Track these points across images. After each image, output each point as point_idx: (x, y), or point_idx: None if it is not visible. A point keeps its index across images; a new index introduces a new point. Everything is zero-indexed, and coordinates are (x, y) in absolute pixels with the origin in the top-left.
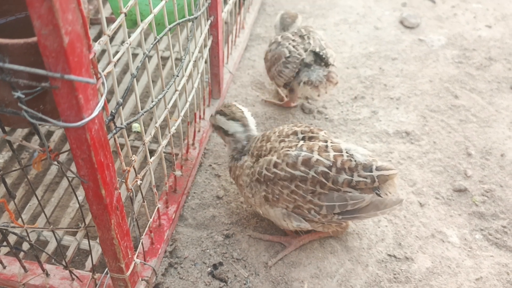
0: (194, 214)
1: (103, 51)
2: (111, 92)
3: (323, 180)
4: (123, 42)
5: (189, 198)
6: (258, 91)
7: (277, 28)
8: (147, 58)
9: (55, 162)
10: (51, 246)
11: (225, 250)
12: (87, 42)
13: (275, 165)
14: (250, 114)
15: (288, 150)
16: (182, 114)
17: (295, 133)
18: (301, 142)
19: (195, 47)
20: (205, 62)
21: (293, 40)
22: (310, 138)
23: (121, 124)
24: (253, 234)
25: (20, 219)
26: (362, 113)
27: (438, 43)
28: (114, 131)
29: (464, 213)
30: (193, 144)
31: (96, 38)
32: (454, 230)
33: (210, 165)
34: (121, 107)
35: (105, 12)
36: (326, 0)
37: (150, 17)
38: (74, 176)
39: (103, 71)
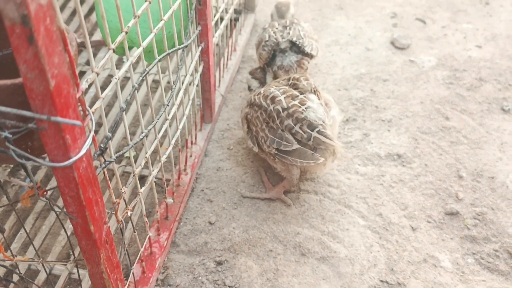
0: (186, 240)
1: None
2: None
3: (275, 116)
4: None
5: (181, 224)
6: None
7: (274, 16)
8: (136, 90)
9: (43, 198)
10: (42, 276)
11: (217, 277)
12: (75, 82)
13: (259, 94)
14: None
15: (272, 87)
16: (173, 142)
17: (289, 78)
18: (285, 87)
19: (186, 74)
20: (197, 86)
21: (276, 28)
22: (293, 85)
23: (111, 157)
24: (245, 193)
25: (9, 251)
26: (353, 135)
27: (429, 64)
28: (103, 165)
29: (456, 236)
30: (185, 169)
31: (88, 62)
32: (446, 254)
33: (202, 190)
34: (110, 141)
35: (97, 36)
36: (317, 22)
37: (139, 51)
38: (62, 211)
39: (91, 107)
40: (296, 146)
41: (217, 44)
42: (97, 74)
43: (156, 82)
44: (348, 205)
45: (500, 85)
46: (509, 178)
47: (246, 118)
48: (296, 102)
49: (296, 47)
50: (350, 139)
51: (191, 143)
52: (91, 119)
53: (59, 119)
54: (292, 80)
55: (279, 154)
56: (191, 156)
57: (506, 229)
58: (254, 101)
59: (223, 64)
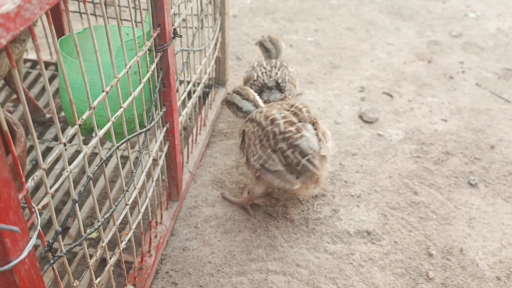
0: None
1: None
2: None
3: (271, 137)
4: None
5: None
6: (219, 190)
7: (272, 51)
8: (91, 180)
9: None
10: None
11: None
12: (19, 182)
13: (260, 112)
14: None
15: (274, 109)
16: (134, 227)
17: (291, 106)
18: (287, 112)
19: (149, 157)
20: (162, 167)
21: (264, 68)
22: (294, 113)
23: (61, 251)
24: (224, 194)
25: None
26: (322, 211)
27: (396, 138)
28: (52, 261)
29: None
30: (149, 251)
31: (55, 137)
32: None
33: (167, 272)
34: (60, 236)
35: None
36: None
37: (94, 141)
38: None
39: (37, 204)
40: (279, 167)
41: (187, 119)
42: (45, 170)
43: (124, 158)
44: (317, 287)
45: (466, 158)
46: (479, 255)
47: (244, 131)
48: (292, 128)
49: (279, 87)
50: (319, 216)
51: (156, 223)
52: (37, 217)
53: None
54: (295, 108)
55: (261, 170)
56: (156, 236)
57: None
58: (255, 118)
59: (192, 141)
